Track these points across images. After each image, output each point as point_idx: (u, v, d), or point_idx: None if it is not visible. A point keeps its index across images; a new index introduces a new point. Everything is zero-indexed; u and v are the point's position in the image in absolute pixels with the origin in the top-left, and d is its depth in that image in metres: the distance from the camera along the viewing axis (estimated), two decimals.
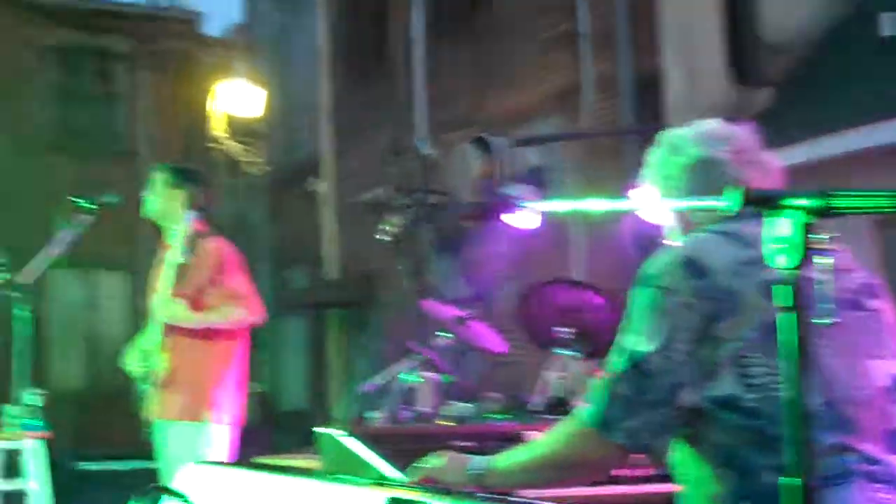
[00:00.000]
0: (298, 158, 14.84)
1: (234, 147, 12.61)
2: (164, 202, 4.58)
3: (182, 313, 4.41)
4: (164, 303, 4.39)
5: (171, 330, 4.49)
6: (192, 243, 4.47)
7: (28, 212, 10.81)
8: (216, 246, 4.58)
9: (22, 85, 12.60)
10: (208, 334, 4.51)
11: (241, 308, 4.50)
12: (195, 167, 4.88)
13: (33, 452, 6.91)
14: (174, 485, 2.34)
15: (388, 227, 6.37)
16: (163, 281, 4.45)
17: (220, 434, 4.50)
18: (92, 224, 4.72)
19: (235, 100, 12.12)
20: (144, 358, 4.55)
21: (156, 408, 4.53)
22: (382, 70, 12.49)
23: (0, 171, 11.29)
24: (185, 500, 2.21)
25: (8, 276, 4.44)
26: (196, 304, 4.48)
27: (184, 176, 4.65)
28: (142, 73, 14.37)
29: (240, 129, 12.87)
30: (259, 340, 15.59)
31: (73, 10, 14.07)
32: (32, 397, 6.78)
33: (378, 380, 4.64)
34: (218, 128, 11.69)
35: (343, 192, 13.12)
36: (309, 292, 13.85)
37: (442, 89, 11.24)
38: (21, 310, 4.19)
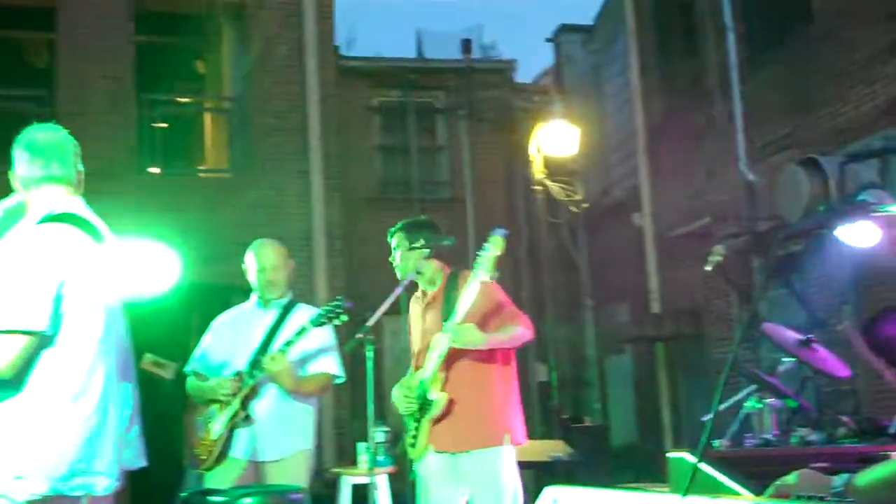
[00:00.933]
0: (615, 194, 14.92)
1: (553, 187, 12.87)
2: (408, 260, 4.81)
3: (477, 336, 4.55)
4: (458, 330, 4.54)
5: (450, 362, 4.67)
6: (457, 280, 4.74)
7: (359, 258, 11.56)
8: (464, 278, 4.71)
9: (350, 143, 13.50)
10: (489, 359, 4.67)
11: (520, 326, 4.63)
12: (423, 218, 5.06)
13: (381, 487, 7.35)
14: None
15: (712, 257, 6.29)
16: (431, 321, 4.68)
17: (510, 455, 4.63)
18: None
19: (552, 141, 12.39)
20: (416, 394, 4.77)
21: (439, 440, 4.71)
22: (697, 100, 12.34)
23: (334, 222, 12.10)
24: None
25: (345, 318, 4.75)
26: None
27: (418, 229, 4.85)
28: (460, 123, 15.00)
29: (557, 169, 13.12)
30: (586, 376, 15.69)
31: (397, 72, 14.97)
32: (381, 434, 7.22)
33: (719, 408, 4.58)
34: (537, 169, 11.99)
35: (662, 224, 13.04)
36: (633, 327, 13.80)
37: (761, 113, 10.95)
38: (370, 351, 4.47)
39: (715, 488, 2.48)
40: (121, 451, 3.17)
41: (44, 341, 3.00)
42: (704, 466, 2.59)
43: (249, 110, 12.52)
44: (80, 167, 3.39)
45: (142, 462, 3.20)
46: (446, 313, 4.66)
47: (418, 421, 4.78)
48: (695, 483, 2.58)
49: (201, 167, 13.91)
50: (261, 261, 5.12)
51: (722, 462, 2.64)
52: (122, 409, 3.22)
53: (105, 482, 3.08)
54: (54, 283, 3.02)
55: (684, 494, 2.13)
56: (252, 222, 10.88)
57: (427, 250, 4.76)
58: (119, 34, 11.88)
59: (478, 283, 4.44)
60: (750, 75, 11.29)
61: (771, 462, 2.68)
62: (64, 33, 11.89)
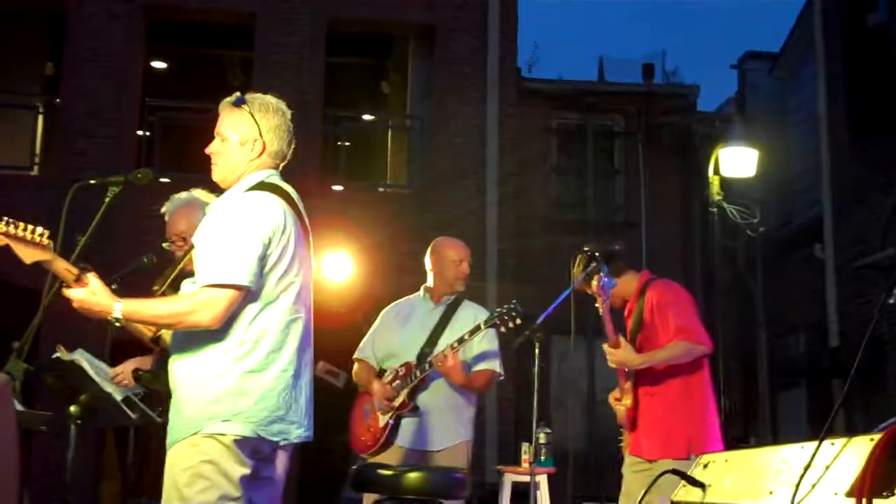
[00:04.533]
0: (796, 223, 14.54)
1: (730, 211, 12.67)
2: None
3: (629, 356, 4.64)
4: (617, 351, 4.64)
5: (634, 374, 4.80)
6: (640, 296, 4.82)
7: (530, 277, 11.63)
8: (653, 291, 4.85)
9: (528, 163, 13.63)
10: (672, 367, 4.72)
11: (688, 342, 4.64)
12: (597, 245, 5.07)
13: (542, 487, 7.44)
14: None
15: None
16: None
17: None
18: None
19: (731, 163, 12.20)
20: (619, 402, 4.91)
21: (635, 444, 4.85)
22: (884, 132, 11.93)
23: (507, 239, 12.24)
24: None
25: (518, 322, 4.87)
26: (648, 346, 4.75)
27: (603, 258, 4.86)
28: (638, 147, 14.93)
29: (736, 194, 12.89)
30: (757, 410, 15.23)
31: (577, 95, 15.04)
32: (544, 435, 7.32)
33: None
34: (715, 192, 11.82)
35: (844, 256, 12.64)
36: (809, 359, 13.39)
37: None
38: (537, 357, 4.59)
39: None
40: (310, 405, 3.42)
41: (248, 296, 3.25)
42: None
43: (431, 128, 12.83)
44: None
45: (310, 434, 3.41)
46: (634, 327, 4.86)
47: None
48: None
49: (382, 183, 14.33)
50: (452, 253, 5.31)
51: None
52: (310, 374, 3.46)
53: (299, 431, 3.33)
54: (260, 243, 3.25)
55: None
56: (428, 238, 11.15)
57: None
58: (311, 53, 12.39)
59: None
60: None
61: None
62: (259, 50, 12.50)
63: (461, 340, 4.98)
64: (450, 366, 4.96)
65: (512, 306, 4.90)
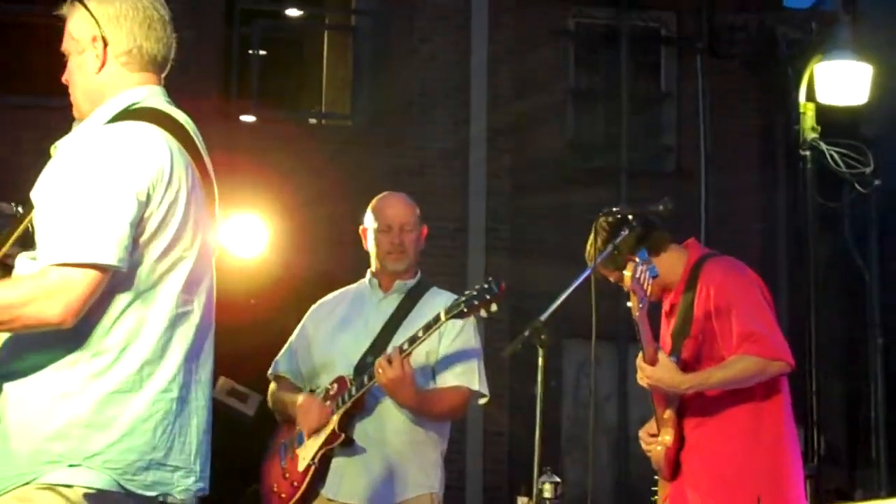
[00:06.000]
0: None
1: (831, 155, 12.70)
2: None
3: (671, 376, 4.70)
4: (655, 369, 4.69)
5: (682, 398, 4.83)
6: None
7: (534, 250, 11.67)
8: (709, 276, 4.87)
9: (531, 85, 13.59)
10: (734, 392, 4.76)
11: (759, 356, 4.68)
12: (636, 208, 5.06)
13: None
14: None
15: None
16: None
17: None
18: None
19: (833, 85, 12.20)
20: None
21: (677, 498, 4.92)
22: None
23: (500, 198, 12.25)
24: None
25: (495, 308, 4.89)
26: (698, 359, 4.82)
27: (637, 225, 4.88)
28: (696, 59, 14.89)
29: (840, 130, 12.90)
30: (868, 449, 15.41)
31: None
32: (551, 486, 7.41)
33: None
34: (809, 127, 11.82)
35: None
36: None
37: None
38: (541, 370, 4.65)
39: None
40: (206, 443, 3.41)
41: (115, 282, 3.21)
42: None
43: (387, 30, 12.75)
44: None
45: (204, 486, 3.39)
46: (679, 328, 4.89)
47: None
48: None
49: (314, 111, 14.30)
50: (385, 217, 5.31)
51: None
52: (206, 396, 3.44)
53: (187, 481, 3.31)
54: (132, 201, 3.20)
55: None
56: (374, 193, 11.11)
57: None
58: None
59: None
60: None
61: None
62: None
63: (414, 340, 4.97)
64: (391, 377, 4.92)
65: (487, 286, 4.86)
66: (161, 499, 3.31)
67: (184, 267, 3.33)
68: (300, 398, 5.26)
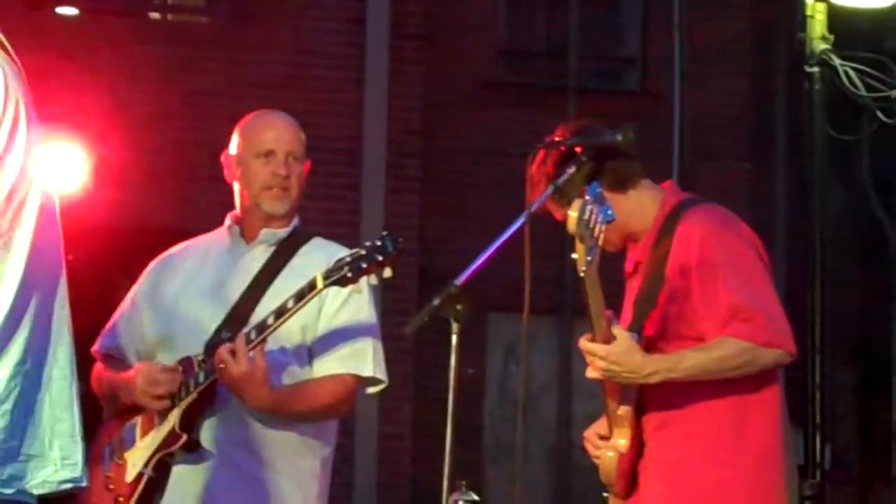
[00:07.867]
0: None
1: (845, 73, 12.84)
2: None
3: (625, 358, 4.63)
4: (612, 349, 4.65)
5: (634, 392, 4.83)
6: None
7: (453, 190, 11.78)
8: (688, 227, 4.84)
9: None
10: (711, 390, 4.77)
11: (749, 340, 4.66)
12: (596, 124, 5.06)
13: None
14: None
15: None
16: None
17: None
18: None
19: None
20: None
21: None
22: None
23: (406, 122, 12.35)
24: None
25: (389, 272, 4.91)
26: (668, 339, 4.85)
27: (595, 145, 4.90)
28: None
29: (857, 40, 13.06)
30: (881, 460, 15.78)
31: None
32: None
33: None
34: (817, 36, 11.94)
35: None
36: None
37: None
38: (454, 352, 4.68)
39: None
40: (76, 425, 3.41)
41: None
42: None
43: None
44: None
45: (78, 475, 3.42)
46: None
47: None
48: None
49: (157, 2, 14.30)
50: (264, 141, 5.31)
51: None
52: (70, 376, 3.46)
53: (53, 471, 3.35)
54: None
55: None
56: (244, 111, 11.17)
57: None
58: None
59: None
60: None
61: None
62: None
63: (281, 313, 4.97)
64: (235, 375, 4.91)
65: (380, 243, 4.82)
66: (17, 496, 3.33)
67: (28, 213, 3.39)
68: (134, 368, 5.25)
